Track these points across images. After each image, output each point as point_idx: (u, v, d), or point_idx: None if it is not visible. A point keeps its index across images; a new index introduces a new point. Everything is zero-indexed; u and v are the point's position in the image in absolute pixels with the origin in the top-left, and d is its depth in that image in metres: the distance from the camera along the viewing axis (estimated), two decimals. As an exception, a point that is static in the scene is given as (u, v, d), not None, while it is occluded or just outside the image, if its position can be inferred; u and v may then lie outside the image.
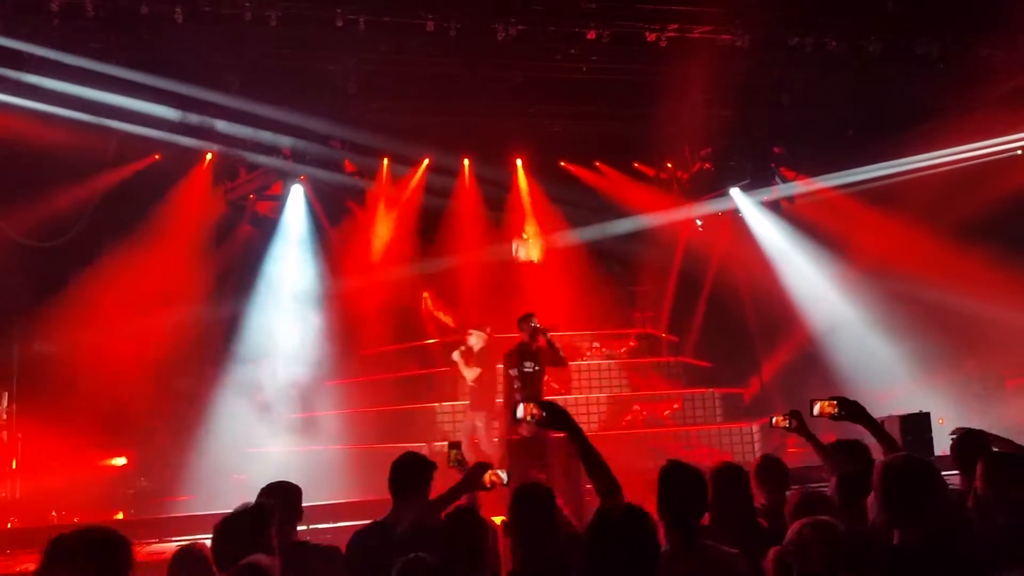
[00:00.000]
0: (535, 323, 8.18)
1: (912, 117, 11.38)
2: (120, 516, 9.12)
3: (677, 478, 3.15)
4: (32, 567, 2.66)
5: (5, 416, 9.46)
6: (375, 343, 12.30)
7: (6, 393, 9.49)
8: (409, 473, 3.98)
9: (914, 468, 2.99)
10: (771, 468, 4.53)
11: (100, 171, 10.82)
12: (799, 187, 13.10)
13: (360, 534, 3.81)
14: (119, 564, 2.62)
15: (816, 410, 4.31)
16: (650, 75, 10.62)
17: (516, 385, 8.10)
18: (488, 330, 9.87)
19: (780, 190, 13.22)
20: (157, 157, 11.25)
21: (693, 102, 11.01)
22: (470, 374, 9.65)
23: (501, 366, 8.46)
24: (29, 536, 7.60)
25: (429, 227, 13.18)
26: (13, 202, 10.07)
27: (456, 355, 9.79)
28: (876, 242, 12.20)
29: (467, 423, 9.82)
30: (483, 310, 11.77)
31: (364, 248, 13.02)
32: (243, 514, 3.26)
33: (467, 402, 9.91)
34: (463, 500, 4.08)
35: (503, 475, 3.97)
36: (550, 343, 8.23)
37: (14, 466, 9.17)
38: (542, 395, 8.38)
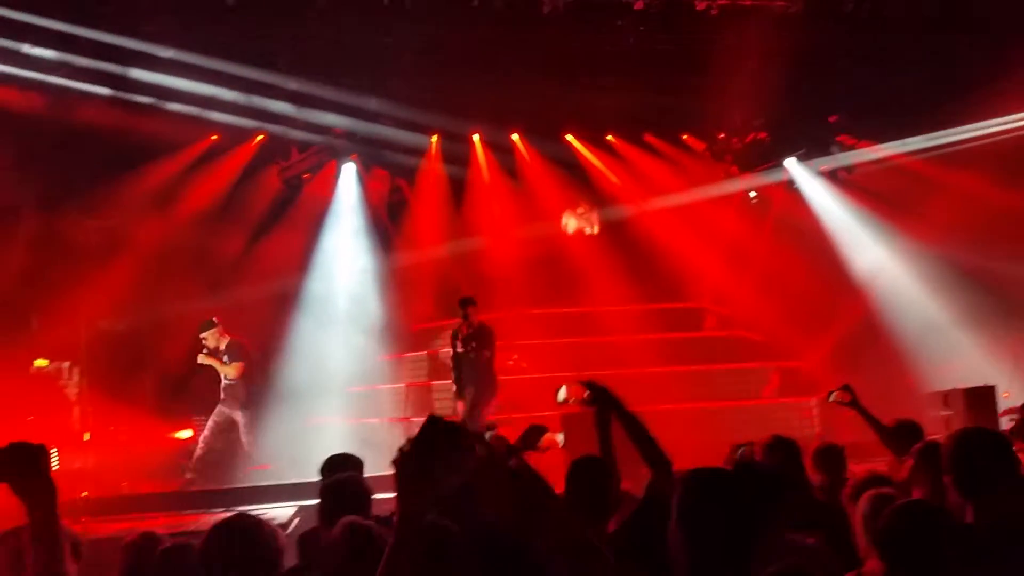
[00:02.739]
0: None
1: (974, 82, 10.97)
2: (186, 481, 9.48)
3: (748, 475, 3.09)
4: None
5: (78, 391, 9.84)
6: (424, 318, 12.48)
7: (78, 369, 9.85)
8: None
9: (986, 440, 2.85)
10: (829, 452, 4.50)
11: (164, 153, 11.18)
12: (858, 156, 12.75)
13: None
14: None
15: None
16: (700, 45, 10.45)
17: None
18: None
19: (838, 159, 12.90)
20: (215, 138, 11.59)
21: (745, 71, 10.78)
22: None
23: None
24: (102, 505, 8.01)
25: (473, 202, 13.25)
26: (84, 184, 10.49)
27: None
28: (941, 211, 11.82)
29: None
30: (529, 286, 11.86)
31: (413, 225, 13.15)
32: (346, 480, 3.37)
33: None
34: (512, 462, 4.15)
35: (560, 438, 4.03)
36: None
37: (86, 438, 9.55)
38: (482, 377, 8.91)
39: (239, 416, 9.63)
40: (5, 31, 9.45)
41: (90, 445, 9.45)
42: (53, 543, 2.12)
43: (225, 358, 9.64)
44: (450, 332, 9.53)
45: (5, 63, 9.74)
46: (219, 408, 9.64)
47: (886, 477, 3.74)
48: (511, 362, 11.19)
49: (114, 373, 10.08)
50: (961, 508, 2.82)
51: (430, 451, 1.79)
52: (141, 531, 3.65)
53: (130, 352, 10.93)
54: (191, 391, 10.86)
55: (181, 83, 10.22)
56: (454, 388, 9.43)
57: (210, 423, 9.63)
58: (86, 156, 10.44)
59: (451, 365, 9.48)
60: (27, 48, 9.61)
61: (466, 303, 9.22)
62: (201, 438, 9.62)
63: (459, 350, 9.16)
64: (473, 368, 9.04)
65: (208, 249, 11.53)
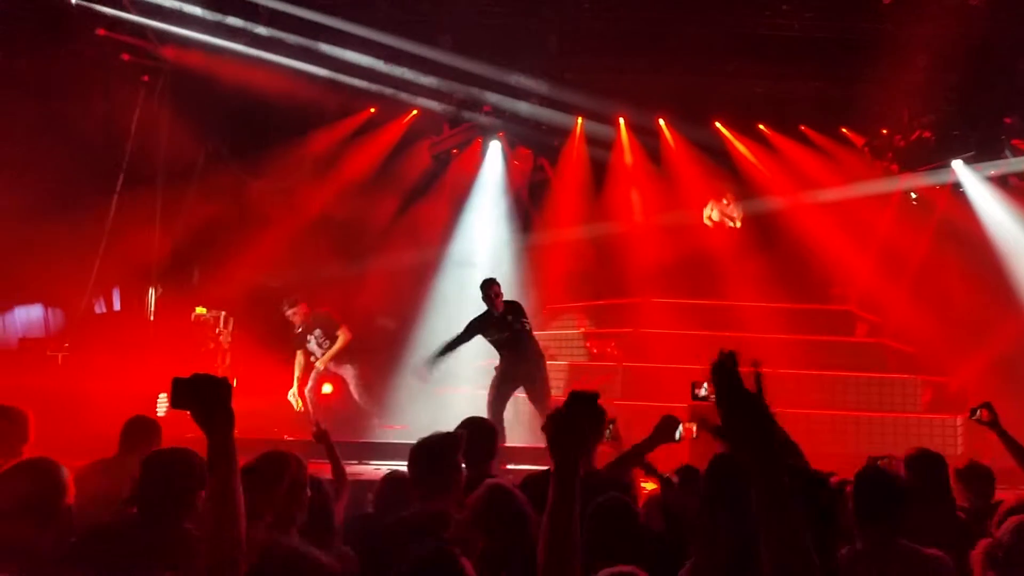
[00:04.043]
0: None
1: None
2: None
3: (875, 476, 3.04)
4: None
5: (231, 339, 10.51)
6: (562, 299, 12.54)
7: (232, 319, 10.51)
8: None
9: None
10: (976, 472, 4.25)
11: (327, 123, 11.74)
12: (1034, 162, 11.79)
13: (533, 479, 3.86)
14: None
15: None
16: (869, 34, 9.92)
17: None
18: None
19: (1010, 164, 11.96)
20: (373, 111, 12.06)
21: (917, 64, 10.17)
22: None
23: None
24: (246, 445, 8.53)
25: (614, 186, 13.16)
26: (253, 147, 11.16)
27: None
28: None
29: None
30: (664, 275, 11.69)
31: (553, 205, 13.21)
32: (433, 440, 3.52)
33: None
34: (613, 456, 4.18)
35: (694, 428, 4.03)
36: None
37: (234, 384, 10.19)
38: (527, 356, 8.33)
39: (347, 371, 9.96)
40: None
41: (238, 391, 10.03)
42: (229, 471, 2.29)
43: (317, 333, 9.83)
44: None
45: (185, 26, 10.44)
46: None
47: None
48: (610, 350, 11.10)
49: (265, 325, 10.67)
50: None
51: (577, 414, 2.17)
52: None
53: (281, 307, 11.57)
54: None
55: (348, 55, 10.67)
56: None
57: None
58: (255, 120, 11.10)
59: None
60: (211, 15, 10.26)
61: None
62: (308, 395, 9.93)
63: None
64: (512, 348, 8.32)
65: (359, 217, 12.03)
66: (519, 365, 8.28)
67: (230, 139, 11.69)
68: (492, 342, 8.40)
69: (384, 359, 11.13)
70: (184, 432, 2.36)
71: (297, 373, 9.81)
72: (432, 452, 3.44)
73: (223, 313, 10.41)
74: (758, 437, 1.86)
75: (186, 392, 2.30)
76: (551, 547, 2.08)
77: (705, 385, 3.41)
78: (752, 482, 1.84)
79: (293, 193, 11.68)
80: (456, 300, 11.92)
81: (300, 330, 9.86)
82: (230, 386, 2.33)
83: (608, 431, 4.30)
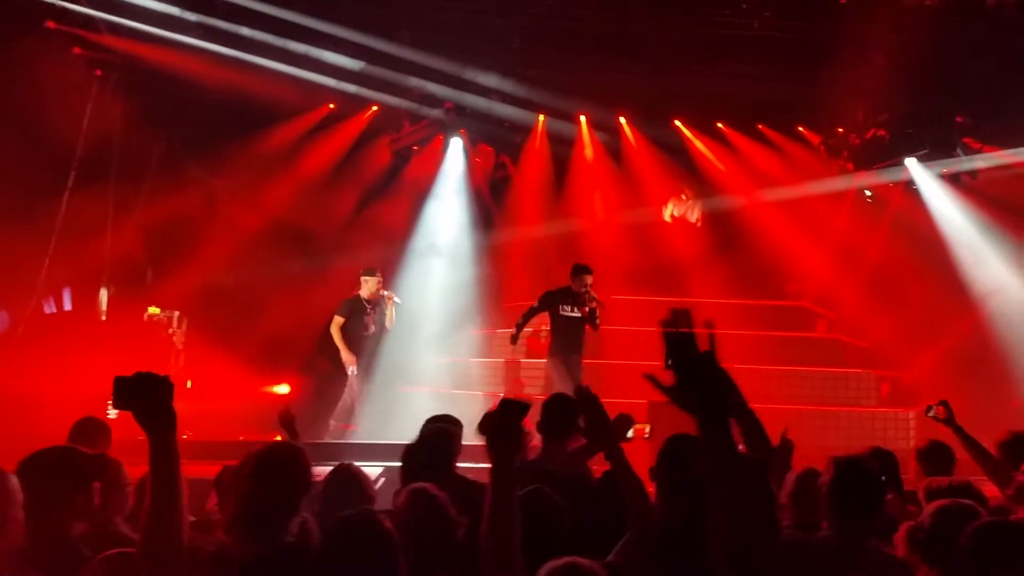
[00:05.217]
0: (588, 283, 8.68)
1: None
2: (278, 438, 9.81)
3: (853, 474, 3.04)
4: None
5: (184, 340, 10.31)
6: (518, 296, 12.51)
7: (186, 319, 10.33)
8: (559, 414, 4.11)
9: None
10: (936, 453, 4.32)
11: (285, 118, 11.57)
12: (984, 160, 12.02)
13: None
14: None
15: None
16: (826, 33, 10.05)
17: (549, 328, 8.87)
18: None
19: (962, 163, 12.20)
20: (332, 107, 11.91)
21: (873, 64, 10.32)
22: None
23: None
24: (201, 448, 8.39)
25: (576, 184, 13.19)
26: (207, 143, 10.95)
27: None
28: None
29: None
30: (626, 272, 11.73)
31: (514, 203, 13.19)
32: (428, 438, 3.50)
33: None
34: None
35: (647, 428, 4.03)
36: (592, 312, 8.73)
37: (188, 386, 10.02)
38: (581, 346, 8.91)
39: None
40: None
41: (192, 392, 9.90)
42: (171, 472, 2.23)
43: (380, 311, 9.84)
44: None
45: (140, 20, 10.21)
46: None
47: (972, 488, 3.52)
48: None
49: (220, 325, 10.49)
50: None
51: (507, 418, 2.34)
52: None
53: (236, 306, 11.39)
54: (292, 348, 11.24)
55: (306, 49, 10.52)
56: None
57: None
58: (211, 116, 10.89)
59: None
60: (166, 7, 10.05)
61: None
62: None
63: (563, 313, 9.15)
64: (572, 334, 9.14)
65: (318, 214, 11.88)
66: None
67: (185, 135, 11.45)
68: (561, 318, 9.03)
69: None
70: (136, 433, 2.29)
71: None
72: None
73: (177, 313, 10.22)
74: (709, 396, 1.85)
75: (128, 391, 2.24)
76: (491, 540, 2.24)
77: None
78: (701, 442, 1.83)
79: (250, 190, 11.49)
80: (419, 293, 11.88)
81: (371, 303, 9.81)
82: (172, 385, 2.27)
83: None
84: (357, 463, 4.09)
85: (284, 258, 11.33)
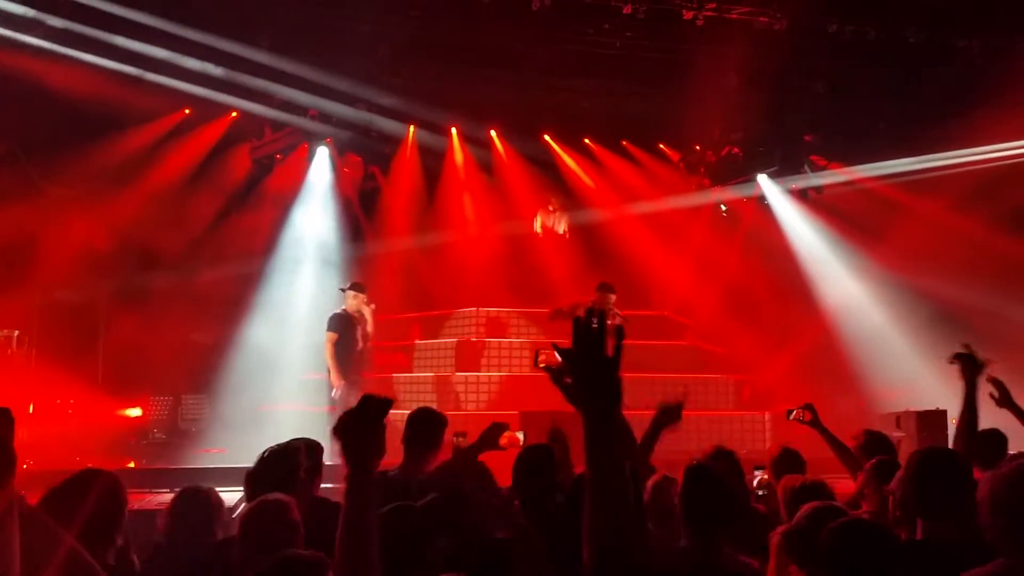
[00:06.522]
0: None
1: (950, 112, 11.15)
2: (132, 465, 9.23)
3: (704, 482, 2.96)
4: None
5: (25, 361, 9.55)
6: (391, 310, 12.32)
7: (27, 339, 9.57)
8: (424, 427, 4.07)
9: (949, 460, 2.88)
10: (786, 458, 4.49)
11: (135, 124, 10.91)
12: (829, 176, 12.89)
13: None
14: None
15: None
16: (684, 54, 10.47)
17: None
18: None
19: (809, 179, 13.03)
20: (187, 112, 11.33)
21: (727, 84, 10.85)
22: None
23: None
24: (42, 477, 7.72)
25: (446, 195, 13.17)
26: (50, 149, 10.18)
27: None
28: (905, 236, 12.00)
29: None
30: (496, 284, 11.79)
31: (384, 214, 13.01)
32: (273, 454, 3.32)
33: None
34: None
35: (520, 436, 4.00)
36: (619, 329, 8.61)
37: (31, 410, 9.28)
38: None
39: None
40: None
41: (35, 417, 9.17)
42: (5, 515, 2.01)
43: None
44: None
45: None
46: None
47: (823, 487, 3.67)
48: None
49: (65, 345, 9.78)
50: (908, 527, 2.85)
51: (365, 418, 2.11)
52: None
53: (83, 325, 10.65)
54: (142, 368, 10.61)
55: (157, 52, 9.96)
56: None
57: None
58: (55, 120, 10.12)
59: None
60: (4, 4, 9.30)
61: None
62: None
63: None
64: None
65: (171, 225, 11.26)
66: None
67: (24, 140, 10.59)
68: None
69: (200, 377, 10.52)
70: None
71: None
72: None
73: (16, 332, 9.45)
74: (602, 392, 1.86)
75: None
76: (345, 555, 2.06)
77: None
78: (585, 435, 1.83)
79: (97, 200, 10.74)
80: (285, 305, 11.48)
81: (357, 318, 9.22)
82: (11, 420, 2.04)
83: (519, 438, 4.14)
84: (219, 489, 3.85)
85: (133, 273, 10.65)
